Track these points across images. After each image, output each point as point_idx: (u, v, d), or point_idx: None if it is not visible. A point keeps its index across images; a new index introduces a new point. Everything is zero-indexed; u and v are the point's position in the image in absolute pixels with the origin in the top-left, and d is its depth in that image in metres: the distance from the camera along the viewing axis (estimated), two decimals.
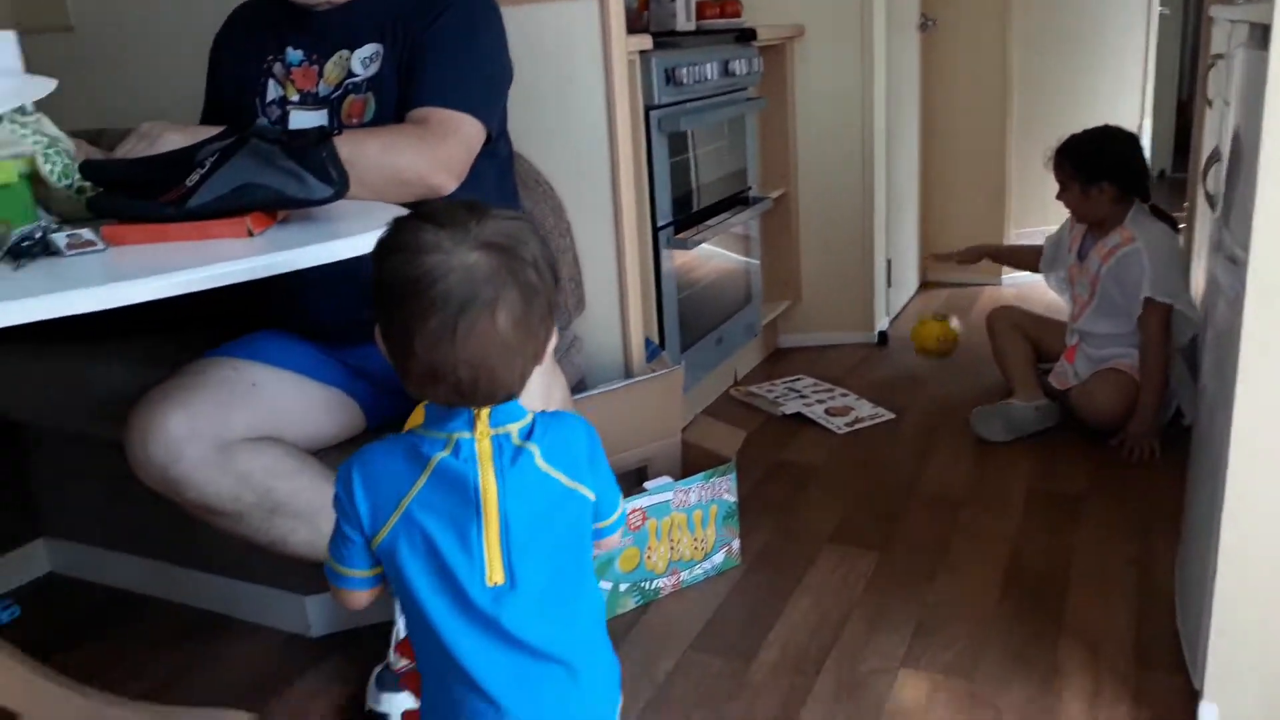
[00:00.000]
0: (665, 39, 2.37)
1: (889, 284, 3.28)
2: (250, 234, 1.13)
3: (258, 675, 1.64)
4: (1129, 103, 3.64)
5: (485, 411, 0.87)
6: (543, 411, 0.92)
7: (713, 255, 2.68)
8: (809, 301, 3.17)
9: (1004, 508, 2.07)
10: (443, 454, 0.86)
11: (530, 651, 0.89)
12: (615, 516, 0.98)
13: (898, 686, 1.52)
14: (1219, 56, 2.27)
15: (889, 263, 3.25)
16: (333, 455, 1.56)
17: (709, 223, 2.51)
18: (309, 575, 1.71)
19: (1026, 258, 2.81)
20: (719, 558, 1.86)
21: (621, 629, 1.70)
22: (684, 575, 1.81)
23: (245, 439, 1.41)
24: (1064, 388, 2.49)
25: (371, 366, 1.61)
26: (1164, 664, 1.53)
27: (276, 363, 1.53)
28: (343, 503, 0.89)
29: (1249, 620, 1.29)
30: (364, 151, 1.36)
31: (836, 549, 1.93)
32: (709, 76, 2.42)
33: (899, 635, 1.64)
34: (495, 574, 0.87)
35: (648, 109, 2.21)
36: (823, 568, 1.87)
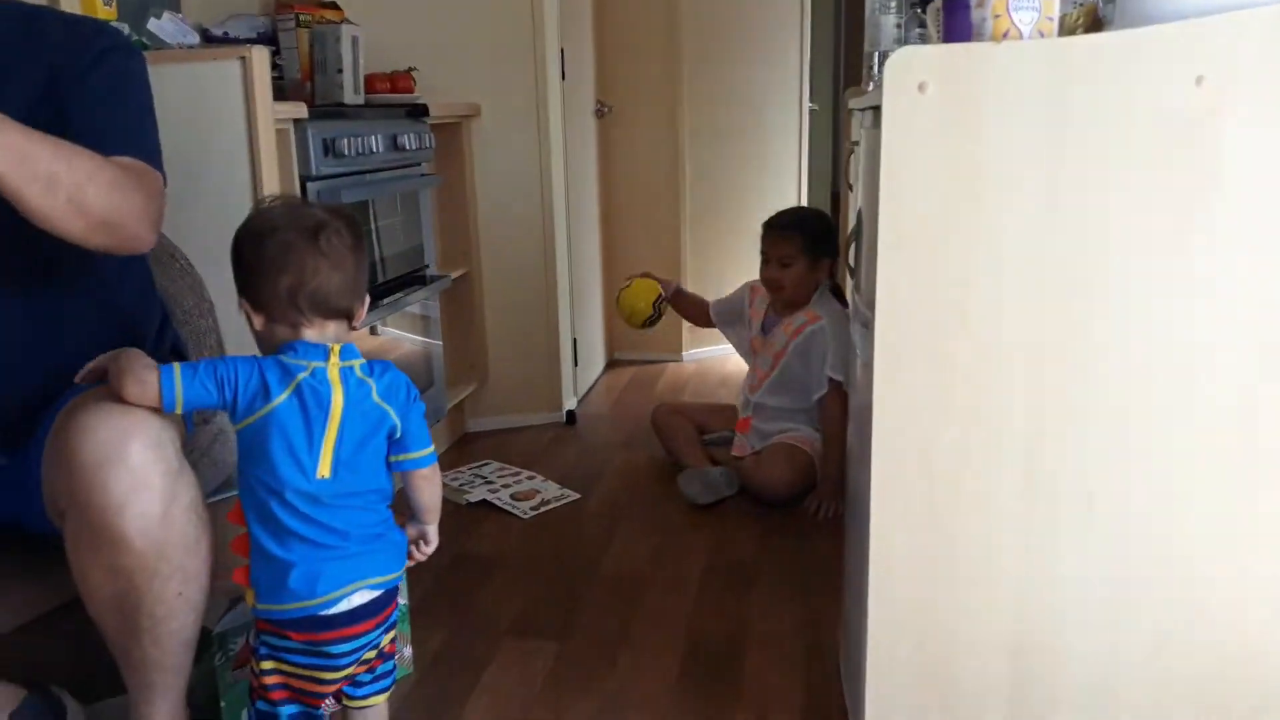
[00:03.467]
0: (328, 109, 2.26)
1: (576, 363, 3.29)
2: None
3: None
4: (787, 190, 3.93)
5: (336, 349, 1.20)
6: (376, 360, 1.25)
7: (394, 338, 2.55)
8: (496, 383, 3.10)
9: (682, 584, 2.06)
10: (304, 376, 1.17)
11: (328, 527, 1.20)
12: (425, 453, 1.28)
13: None
14: (856, 143, 2.48)
15: (575, 341, 3.26)
16: None
17: (385, 301, 2.38)
18: None
19: (698, 310, 2.88)
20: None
21: None
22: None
23: None
24: (742, 455, 2.59)
25: None
26: None
27: None
28: (230, 377, 1.16)
29: (901, 668, 1.33)
30: (96, 176, 1.17)
31: (516, 643, 1.83)
32: (376, 149, 2.32)
33: None
34: (324, 469, 1.18)
35: (305, 179, 2.07)
36: (501, 664, 1.76)
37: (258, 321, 1.21)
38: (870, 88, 2.33)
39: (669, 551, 2.23)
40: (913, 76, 1.17)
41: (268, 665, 1.25)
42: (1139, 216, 1.16)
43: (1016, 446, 1.24)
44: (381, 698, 1.34)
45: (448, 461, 2.83)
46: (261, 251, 1.18)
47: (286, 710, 1.26)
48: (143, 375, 1.16)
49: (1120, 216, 1.17)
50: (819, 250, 2.53)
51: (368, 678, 1.32)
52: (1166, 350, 1.19)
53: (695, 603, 1.98)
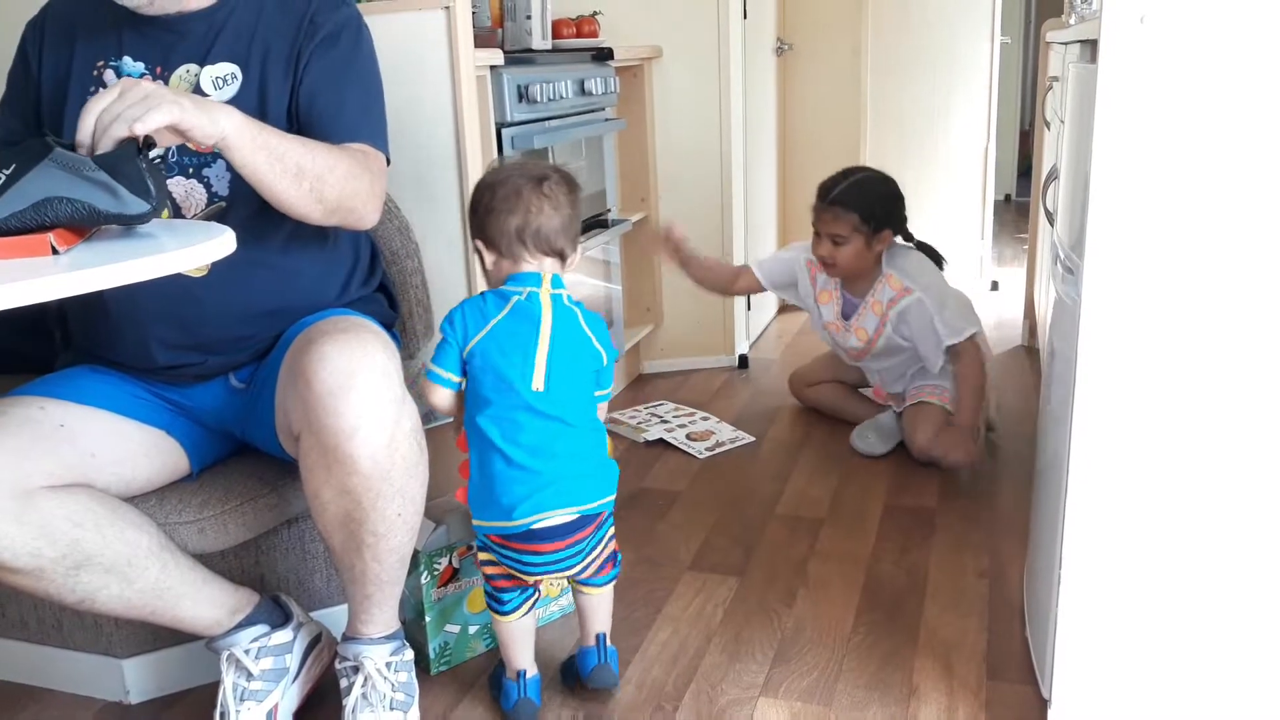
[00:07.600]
0: (519, 56, 2.32)
1: (749, 307, 3.29)
2: (54, 251, 1.01)
3: None
4: (975, 128, 3.76)
5: (548, 277, 1.39)
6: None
7: (574, 280, 2.62)
8: (670, 326, 3.15)
9: (860, 526, 2.07)
10: (519, 298, 1.37)
11: (537, 449, 1.35)
12: (602, 392, 1.45)
13: (757, 717, 1.47)
14: (1055, 79, 2.36)
15: None
16: (150, 501, 1.43)
17: None
18: (127, 637, 1.56)
19: (718, 278, 2.61)
20: None
21: (472, 673, 1.61)
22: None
23: (48, 486, 1.27)
24: (900, 407, 2.50)
25: (200, 406, 1.48)
26: (1015, 675, 1.53)
27: (90, 401, 1.39)
28: (455, 321, 1.37)
29: (1093, 630, 1.30)
30: (335, 167, 1.32)
31: (696, 576, 1.89)
32: (564, 95, 2.37)
33: (757, 663, 1.60)
34: (538, 382, 1.34)
35: (500, 126, 2.15)
36: (682, 596, 1.82)
37: (489, 259, 1.41)
38: (1073, 20, 2.21)
39: (846, 495, 2.23)
40: (1133, 7, 1.11)
41: (483, 555, 1.45)
42: None
43: (1236, 404, 1.18)
44: (605, 588, 1.51)
45: (624, 400, 2.91)
46: (495, 195, 1.40)
47: (504, 591, 1.45)
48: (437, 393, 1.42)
49: None
50: (878, 224, 2.28)
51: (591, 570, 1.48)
52: None
53: (873, 546, 1.98)
